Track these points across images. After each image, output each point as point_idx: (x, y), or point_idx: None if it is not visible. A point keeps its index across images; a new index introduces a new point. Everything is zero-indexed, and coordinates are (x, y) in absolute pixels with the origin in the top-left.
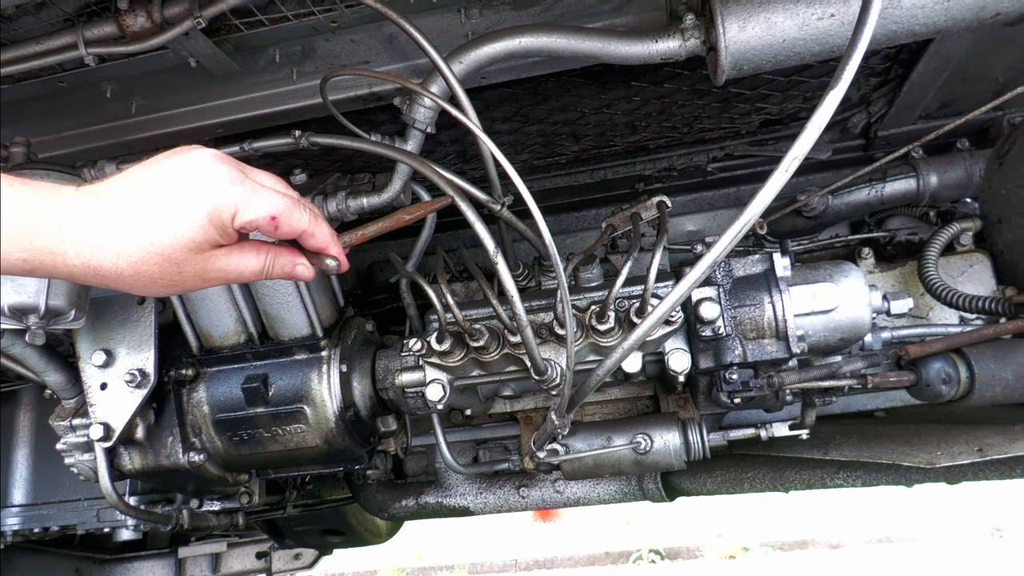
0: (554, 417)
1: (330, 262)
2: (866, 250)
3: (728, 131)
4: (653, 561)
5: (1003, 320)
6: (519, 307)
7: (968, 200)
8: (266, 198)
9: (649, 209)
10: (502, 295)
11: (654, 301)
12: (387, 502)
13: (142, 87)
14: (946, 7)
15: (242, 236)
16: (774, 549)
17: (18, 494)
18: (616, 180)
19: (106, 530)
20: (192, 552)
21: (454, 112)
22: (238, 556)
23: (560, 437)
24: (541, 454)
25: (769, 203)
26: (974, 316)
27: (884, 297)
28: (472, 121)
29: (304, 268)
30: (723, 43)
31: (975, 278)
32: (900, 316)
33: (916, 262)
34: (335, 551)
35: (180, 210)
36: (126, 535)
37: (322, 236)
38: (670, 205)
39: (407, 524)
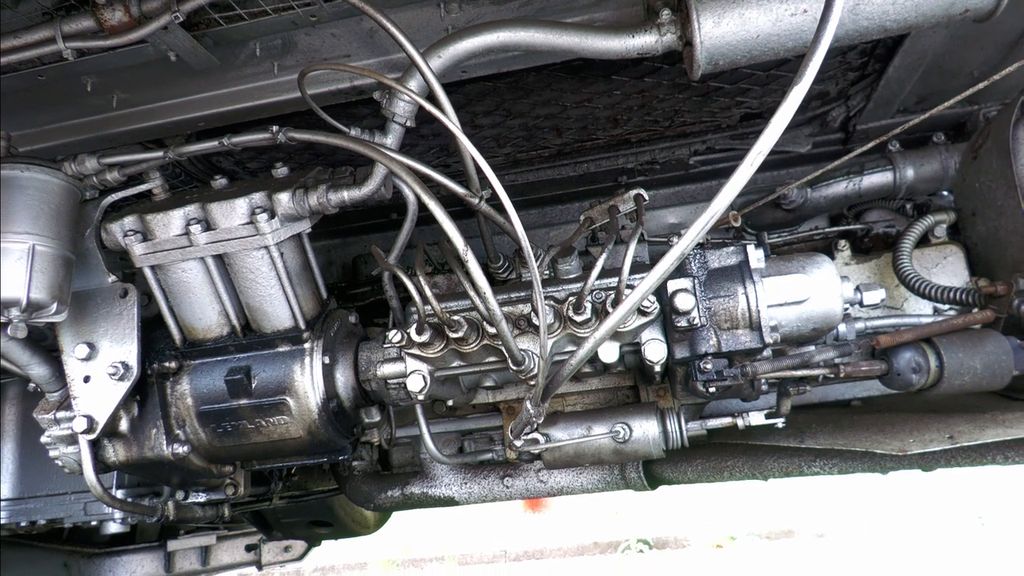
0: (529, 406)
1: None
2: (843, 242)
3: (709, 125)
4: (641, 551)
5: (975, 311)
6: (493, 302)
7: (944, 193)
8: None
9: (627, 202)
10: None
11: (628, 292)
12: (373, 493)
13: (123, 80)
14: (916, 3)
15: None
16: (760, 538)
17: (4, 488)
18: (599, 173)
19: (93, 523)
20: (181, 545)
21: (430, 108)
22: (227, 549)
23: (536, 426)
24: (518, 443)
25: (735, 197)
26: (947, 307)
27: (857, 288)
28: (449, 117)
29: None
30: (698, 38)
31: (949, 269)
32: (874, 307)
33: (891, 254)
34: (324, 543)
35: None
36: (114, 528)
37: None
38: (647, 198)
39: (397, 516)
